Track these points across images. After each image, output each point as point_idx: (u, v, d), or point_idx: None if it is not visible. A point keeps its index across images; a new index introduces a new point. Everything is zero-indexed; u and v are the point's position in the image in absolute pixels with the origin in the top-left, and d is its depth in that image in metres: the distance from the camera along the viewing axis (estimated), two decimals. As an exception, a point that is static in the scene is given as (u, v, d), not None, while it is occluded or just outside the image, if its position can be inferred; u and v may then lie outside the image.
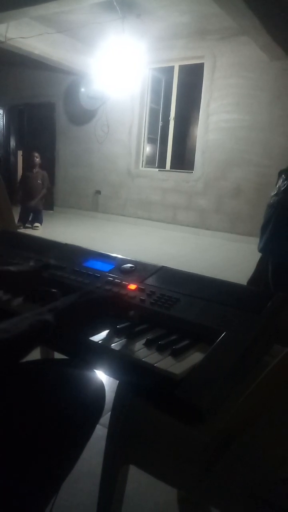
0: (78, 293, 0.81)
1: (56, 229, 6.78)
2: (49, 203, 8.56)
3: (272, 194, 1.67)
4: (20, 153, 9.48)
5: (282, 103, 5.82)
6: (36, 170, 6.80)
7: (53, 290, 0.92)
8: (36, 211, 6.68)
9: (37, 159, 6.81)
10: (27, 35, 5.92)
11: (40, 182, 6.78)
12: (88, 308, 0.78)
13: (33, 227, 6.52)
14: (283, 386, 0.61)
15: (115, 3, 4.66)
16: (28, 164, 6.98)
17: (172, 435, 0.76)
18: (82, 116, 7.99)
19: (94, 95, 7.34)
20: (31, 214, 6.68)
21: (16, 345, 0.65)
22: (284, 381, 0.61)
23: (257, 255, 1.96)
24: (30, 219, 6.69)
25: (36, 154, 6.86)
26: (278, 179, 1.67)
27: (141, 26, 5.78)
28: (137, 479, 1.06)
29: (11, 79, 8.80)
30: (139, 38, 5.74)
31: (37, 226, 6.55)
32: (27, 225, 6.61)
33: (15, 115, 9.29)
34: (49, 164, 8.58)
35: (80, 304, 0.77)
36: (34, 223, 6.62)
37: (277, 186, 1.65)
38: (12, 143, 9.48)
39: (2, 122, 9.33)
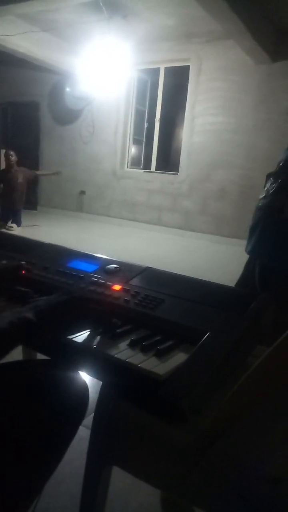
0: (60, 293, 0.80)
1: (40, 229, 6.72)
2: (33, 203, 8.48)
3: (261, 197, 1.69)
4: (3, 152, 9.33)
5: (266, 107, 5.90)
6: (14, 169, 6.50)
7: (26, 289, 0.92)
8: (15, 211, 6.47)
9: (12, 157, 6.48)
10: (11, 33, 5.85)
11: (22, 181, 6.48)
12: (69, 308, 0.77)
13: (7, 228, 6.24)
14: (265, 387, 0.61)
15: (101, 4, 4.66)
16: (6, 164, 6.66)
17: (156, 436, 0.76)
18: (67, 116, 7.94)
19: (79, 95, 7.30)
20: (10, 214, 6.45)
21: None
22: (267, 382, 0.61)
23: (241, 257, 1.97)
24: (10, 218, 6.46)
25: (11, 153, 6.52)
26: (266, 181, 1.69)
27: (127, 27, 5.78)
28: (120, 480, 1.06)
29: (-5, 77, 8.69)
30: (125, 39, 5.74)
31: (11, 227, 6.29)
32: (8, 225, 6.38)
33: (-2, 114, 9.17)
34: (33, 164, 8.50)
35: (61, 304, 0.76)
36: (16, 223, 6.42)
37: (265, 189, 1.67)
38: (-4, 141, 9.34)
39: (-15, 120, 9.20)
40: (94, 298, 0.87)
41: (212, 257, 5.54)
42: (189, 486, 0.72)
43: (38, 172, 6.74)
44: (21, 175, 6.52)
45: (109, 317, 0.81)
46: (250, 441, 0.67)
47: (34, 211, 8.47)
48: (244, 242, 1.91)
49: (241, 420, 0.64)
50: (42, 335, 0.74)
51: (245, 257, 2.06)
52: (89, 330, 0.79)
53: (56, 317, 0.74)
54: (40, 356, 0.85)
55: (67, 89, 7.50)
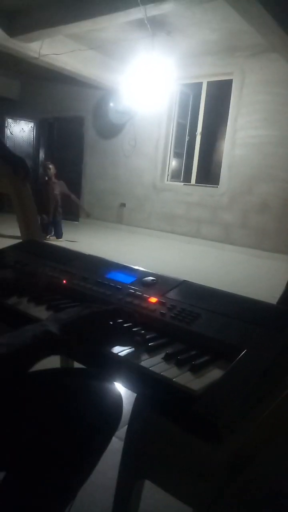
0: (83, 306, 0.80)
1: (81, 240, 6.87)
2: (75, 214, 8.72)
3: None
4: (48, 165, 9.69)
5: (311, 120, 5.77)
6: (52, 181, 6.55)
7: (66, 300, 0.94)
8: (54, 223, 6.55)
9: (50, 170, 6.52)
10: (59, 52, 6.12)
11: (58, 193, 6.55)
12: (93, 322, 0.76)
13: (46, 239, 6.30)
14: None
15: (146, 21, 4.77)
16: (44, 175, 6.75)
17: (189, 452, 0.75)
18: (110, 130, 8.14)
19: (122, 109, 7.48)
20: (50, 225, 6.55)
21: (17, 357, 0.64)
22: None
23: (283, 272, 1.93)
24: (51, 230, 6.57)
25: (50, 166, 6.55)
26: None
27: (171, 43, 5.88)
28: (152, 495, 1.05)
29: (43, 94, 9.09)
30: (168, 54, 5.83)
31: (47, 239, 6.39)
32: (49, 236, 6.53)
33: (45, 128, 9.56)
34: (76, 176, 8.76)
35: (85, 317, 0.75)
36: (55, 235, 6.53)
37: None
38: (41, 155, 9.73)
39: (32, 135, 9.61)
40: (119, 312, 0.86)
41: (252, 271, 5.42)
42: (221, 507, 0.70)
43: (73, 196, 6.83)
44: (58, 187, 6.58)
45: (135, 330, 0.80)
46: (286, 463, 0.65)
47: (75, 222, 8.69)
48: (286, 257, 1.86)
49: (278, 441, 0.62)
50: (66, 349, 0.74)
51: (287, 273, 2.01)
52: (118, 344, 0.78)
53: (79, 331, 0.73)
54: (77, 365, 0.86)
55: (111, 104, 7.70)
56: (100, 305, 0.83)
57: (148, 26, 4.97)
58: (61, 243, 6.28)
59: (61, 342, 0.69)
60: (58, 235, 6.61)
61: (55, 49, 6.07)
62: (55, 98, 8.91)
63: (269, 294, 2.22)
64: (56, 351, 0.72)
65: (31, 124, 9.51)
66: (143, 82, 5.79)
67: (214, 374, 0.71)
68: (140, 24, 5.13)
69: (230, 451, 0.62)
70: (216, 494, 0.69)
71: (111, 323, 0.80)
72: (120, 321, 0.83)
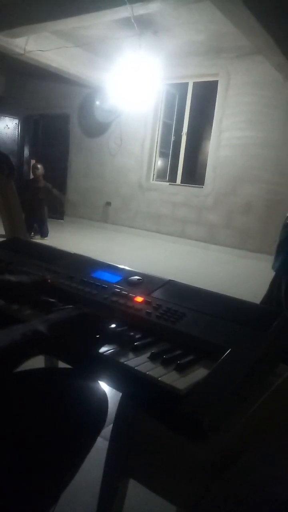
0: (74, 307, 0.80)
1: (66, 238, 6.82)
2: (60, 213, 8.65)
3: (288, 214, 1.68)
4: (33, 162, 9.59)
5: (295, 122, 5.85)
6: (39, 182, 6.35)
7: (52, 300, 0.93)
8: (40, 222, 6.46)
9: (39, 170, 6.33)
10: (45, 48, 6.05)
11: (42, 198, 6.38)
12: (83, 323, 0.76)
13: (30, 238, 6.16)
14: (287, 406, 0.60)
15: (132, 20, 4.76)
16: (32, 175, 6.57)
17: (174, 451, 0.76)
18: (96, 128, 8.10)
19: (108, 108, 7.44)
20: (35, 224, 6.47)
21: (5, 355, 0.64)
22: (289, 401, 0.60)
23: (267, 273, 1.95)
24: (34, 229, 6.49)
25: (38, 166, 6.34)
26: None
27: (157, 43, 5.88)
28: (136, 494, 1.05)
29: (28, 90, 8.97)
30: (155, 54, 5.83)
31: (32, 237, 6.30)
32: (32, 234, 6.42)
33: (30, 125, 9.45)
34: (61, 174, 8.70)
35: (74, 319, 0.75)
36: (40, 234, 6.47)
37: None
38: (26, 152, 9.62)
39: (17, 132, 9.48)
40: (108, 313, 0.86)
41: (236, 271, 5.47)
42: (206, 505, 0.71)
43: (49, 185, 6.66)
44: (43, 193, 6.45)
45: (124, 333, 0.80)
46: (272, 462, 0.66)
47: (60, 220, 8.63)
48: (269, 258, 1.89)
49: (263, 439, 0.63)
50: (55, 348, 0.73)
51: (270, 273, 2.04)
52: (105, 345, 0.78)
53: (69, 331, 0.73)
54: (62, 365, 0.86)
55: (97, 102, 7.66)
56: (91, 308, 0.83)
57: (135, 25, 4.96)
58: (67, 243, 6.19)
59: (50, 341, 0.69)
60: (43, 234, 6.54)
61: (41, 45, 6.01)
62: (41, 95, 8.82)
63: (253, 294, 2.25)
64: (44, 350, 0.71)
65: (15, 121, 9.38)
66: (130, 81, 5.77)
67: (199, 373, 0.72)
68: (127, 22, 5.11)
69: (216, 450, 0.63)
70: (201, 493, 0.69)
71: (101, 325, 0.79)
72: (109, 323, 0.83)
